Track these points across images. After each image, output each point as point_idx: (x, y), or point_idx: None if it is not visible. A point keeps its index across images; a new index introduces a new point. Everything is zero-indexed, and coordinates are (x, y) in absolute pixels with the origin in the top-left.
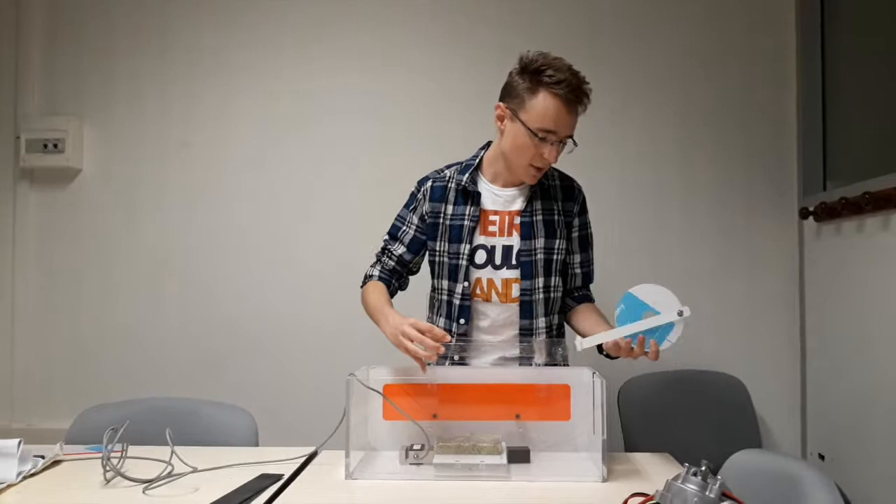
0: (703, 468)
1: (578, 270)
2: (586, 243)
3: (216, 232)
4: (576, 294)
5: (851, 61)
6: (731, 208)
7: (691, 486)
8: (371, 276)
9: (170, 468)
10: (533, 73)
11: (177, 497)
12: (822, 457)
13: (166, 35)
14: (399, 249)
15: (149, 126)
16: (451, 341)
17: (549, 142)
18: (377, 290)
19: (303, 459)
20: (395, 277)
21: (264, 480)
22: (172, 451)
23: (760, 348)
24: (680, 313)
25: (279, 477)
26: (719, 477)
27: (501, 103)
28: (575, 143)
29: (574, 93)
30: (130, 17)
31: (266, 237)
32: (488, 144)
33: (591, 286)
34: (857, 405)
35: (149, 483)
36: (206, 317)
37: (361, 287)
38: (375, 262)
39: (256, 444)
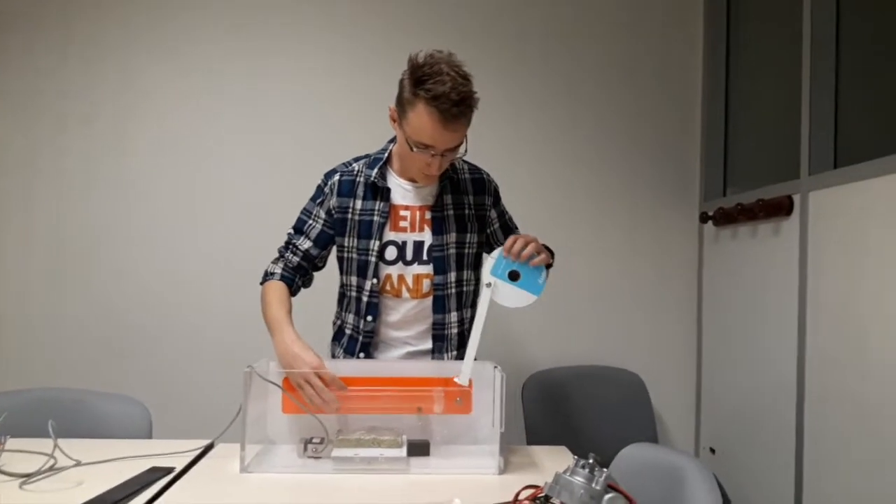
0: (591, 461)
1: None
2: (509, 228)
3: (115, 217)
4: None
5: (751, 78)
6: (637, 212)
7: (578, 479)
8: (273, 274)
9: (52, 461)
10: (415, 81)
11: (57, 492)
12: (713, 450)
13: (68, 3)
14: (305, 244)
15: (46, 102)
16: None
17: (430, 154)
18: (277, 296)
19: (197, 452)
20: (300, 275)
21: (154, 474)
22: (55, 444)
23: (660, 346)
24: (487, 285)
25: (170, 470)
26: (605, 469)
27: (392, 106)
28: (465, 150)
29: (452, 109)
30: None
31: (168, 224)
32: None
33: None
34: (745, 402)
35: (27, 477)
36: (101, 305)
37: (261, 283)
38: (278, 259)
39: (150, 437)
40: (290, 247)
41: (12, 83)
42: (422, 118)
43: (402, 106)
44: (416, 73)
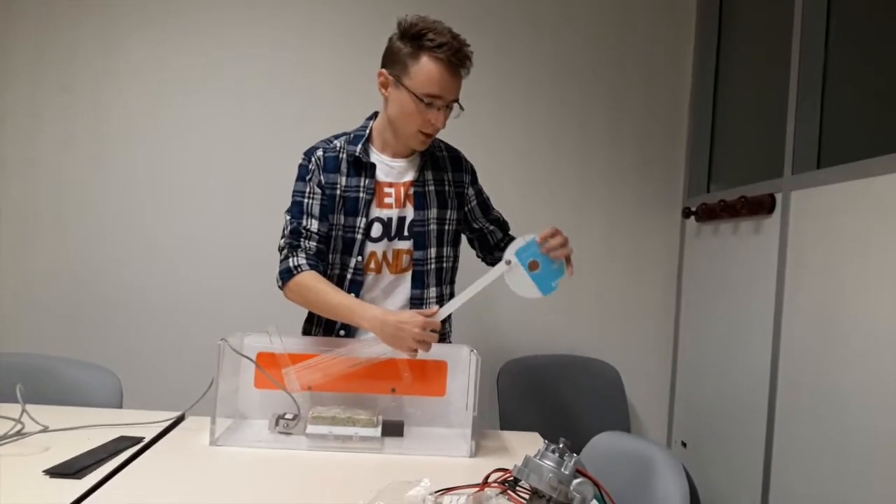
0: (561, 446)
1: (492, 227)
2: (487, 207)
3: (91, 184)
4: (501, 245)
5: (739, 78)
6: (620, 205)
7: (548, 463)
8: (298, 267)
9: (19, 426)
10: (413, 37)
11: (24, 457)
12: (684, 444)
13: None
14: (314, 224)
15: (22, 68)
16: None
17: (436, 107)
18: (325, 282)
19: (167, 424)
20: (321, 260)
21: (122, 443)
22: (23, 409)
23: (637, 339)
24: (507, 262)
25: (139, 440)
26: (575, 455)
27: (384, 70)
28: (461, 108)
29: (457, 56)
30: None
31: (145, 192)
32: (375, 115)
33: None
34: (719, 398)
35: None
36: (75, 274)
37: (286, 280)
38: (295, 249)
39: (120, 407)
40: (304, 232)
41: None
42: (429, 68)
43: (401, 64)
44: (411, 30)
